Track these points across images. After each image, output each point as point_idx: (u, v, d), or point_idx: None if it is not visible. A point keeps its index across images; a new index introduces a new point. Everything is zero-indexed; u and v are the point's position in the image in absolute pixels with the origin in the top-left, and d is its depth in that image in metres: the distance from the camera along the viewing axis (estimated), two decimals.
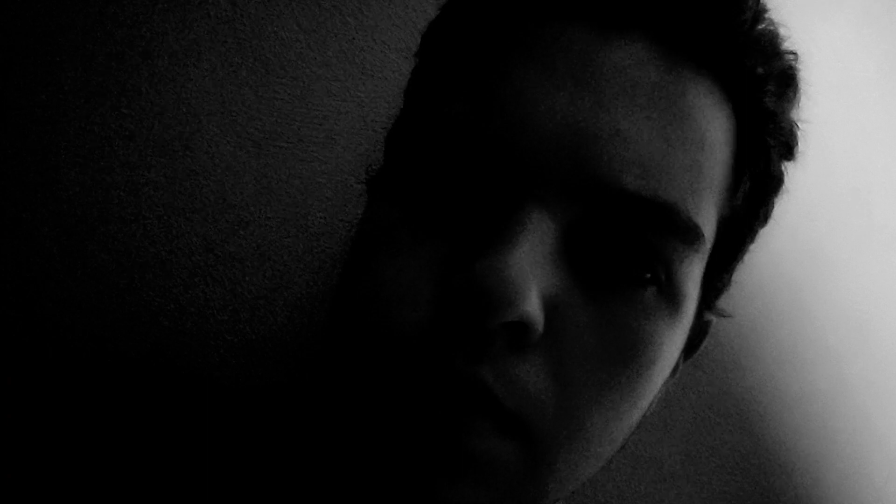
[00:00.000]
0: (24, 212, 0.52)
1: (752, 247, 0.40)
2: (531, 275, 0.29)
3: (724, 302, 0.41)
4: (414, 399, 0.30)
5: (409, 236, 0.33)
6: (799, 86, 0.36)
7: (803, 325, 0.66)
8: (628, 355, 0.32)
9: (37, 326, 0.51)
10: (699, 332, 0.41)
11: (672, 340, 0.35)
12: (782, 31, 0.36)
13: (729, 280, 0.40)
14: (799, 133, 0.37)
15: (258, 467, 0.41)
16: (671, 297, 0.33)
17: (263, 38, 0.57)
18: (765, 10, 0.35)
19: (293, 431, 0.44)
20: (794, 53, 0.36)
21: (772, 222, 0.39)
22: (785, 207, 0.39)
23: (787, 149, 0.37)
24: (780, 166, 0.37)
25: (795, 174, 0.38)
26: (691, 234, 0.32)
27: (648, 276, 0.32)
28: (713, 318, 0.42)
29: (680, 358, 0.41)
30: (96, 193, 0.52)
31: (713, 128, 0.33)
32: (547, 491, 0.33)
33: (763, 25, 0.34)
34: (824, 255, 0.67)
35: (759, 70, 0.34)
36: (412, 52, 0.41)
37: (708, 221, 0.34)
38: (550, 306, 0.31)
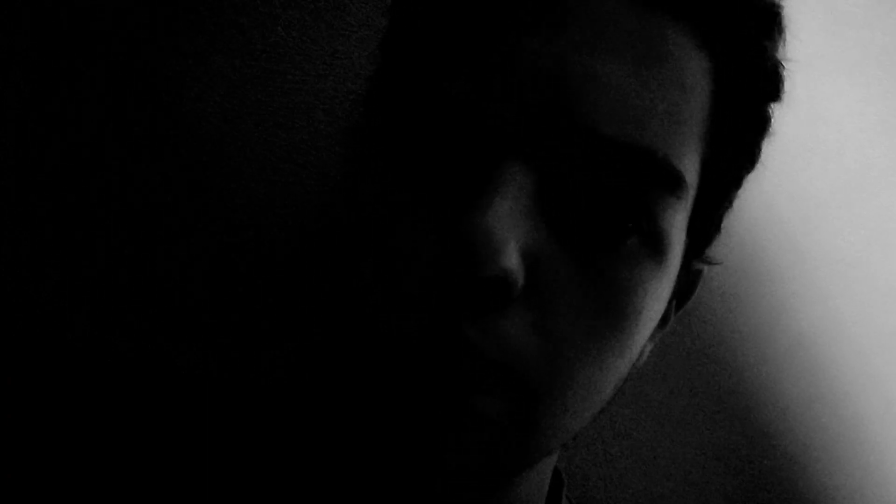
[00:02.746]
0: (19, 207, 0.52)
1: (741, 192, 0.39)
2: (509, 229, 0.29)
3: (713, 248, 0.41)
4: (406, 363, 0.30)
5: (411, 206, 0.32)
6: (783, 23, 0.35)
7: (795, 267, 0.65)
8: (612, 306, 0.32)
9: (37, 326, 0.51)
10: (689, 281, 0.41)
11: (658, 289, 0.34)
12: None
13: (717, 227, 0.39)
14: (784, 73, 0.36)
15: (258, 464, 0.41)
16: (655, 246, 0.33)
17: (235, 2, 0.56)
18: None
19: (293, 428, 0.44)
20: None
21: (759, 165, 0.38)
22: (773, 149, 0.38)
23: (773, 89, 0.36)
24: (765, 108, 0.36)
25: (783, 115, 0.37)
26: (672, 181, 0.32)
27: (630, 225, 0.32)
28: (703, 267, 0.41)
29: (671, 308, 0.41)
30: (74, 177, 0.52)
31: (693, 70, 0.32)
32: (538, 443, 0.33)
33: None
34: (814, 197, 0.66)
35: (738, 8, 0.33)
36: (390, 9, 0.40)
37: (690, 167, 0.33)
38: (531, 259, 0.30)
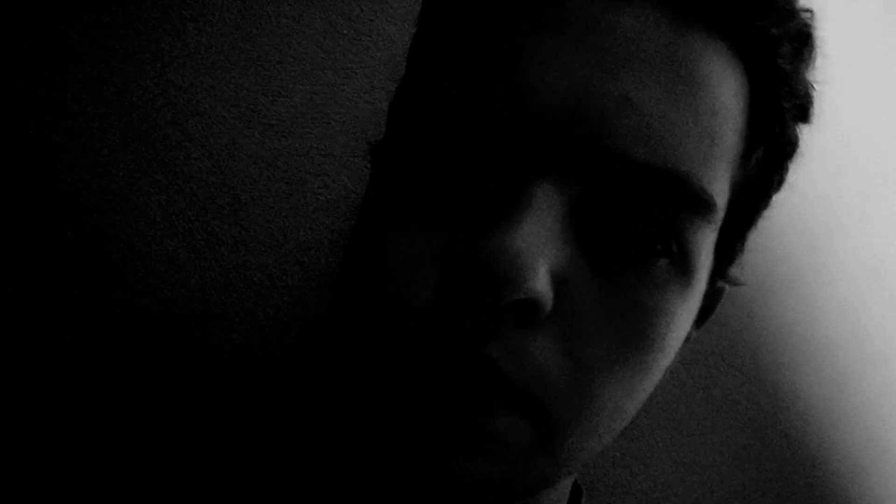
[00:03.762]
0: (21, 206, 0.51)
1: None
2: (539, 251, 0.29)
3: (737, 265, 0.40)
4: (424, 379, 0.30)
5: (417, 212, 0.32)
6: (814, 45, 0.35)
7: (814, 272, 0.65)
8: (640, 329, 0.32)
9: (36, 326, 0.51)
10: (711, 299, 0.40)
11: (684, 312, 0.34)
12: None
13: (742, 246, 0.39)
14: (814, 94, 0.36)
15: (258, 465, 0.41)
16: (683, 269, 0.32)
17: (249, 15, 0.56)
18: None
19: (294, 428, 0.44)
20: (810, 11, 0.34)
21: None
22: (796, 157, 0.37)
23: (803, 111, 0.36)
24: (794, 130, 0.36)
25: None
26: (704, 205, 0.31)
27: (659, 247, 0.32)
28: (726, 286, 0.41)
29: (692, 326, 0.40)
30: (93, 183, 0.52)
31: (725, 93, 0.32)
32: (559, 465, 0.33)
33: None
34: (836, 203, 0.65)
35: (773, 31, 0.32)
36: (402, 19, 0.40)
37: (721, 190, 0.33)
38: (559, 281, 0.30)
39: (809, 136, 0.38)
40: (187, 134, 0.54)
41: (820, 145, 0.62)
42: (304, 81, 0.57)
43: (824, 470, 0.63)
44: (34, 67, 0.52)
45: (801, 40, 0.34)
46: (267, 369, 0.54)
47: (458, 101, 0.31)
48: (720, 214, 0.33)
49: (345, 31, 0.58)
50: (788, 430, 0.63)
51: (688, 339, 0.40)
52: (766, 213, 0.38)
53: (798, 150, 0.37)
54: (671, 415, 0.61)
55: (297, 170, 0.56)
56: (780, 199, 0.39)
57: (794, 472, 0.63)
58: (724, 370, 0.63)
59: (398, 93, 0.40)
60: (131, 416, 0.41)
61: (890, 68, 0.67)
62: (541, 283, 0.28)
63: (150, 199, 0.53)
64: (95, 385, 0.44)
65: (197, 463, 0.40)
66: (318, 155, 0.57)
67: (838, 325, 0.65)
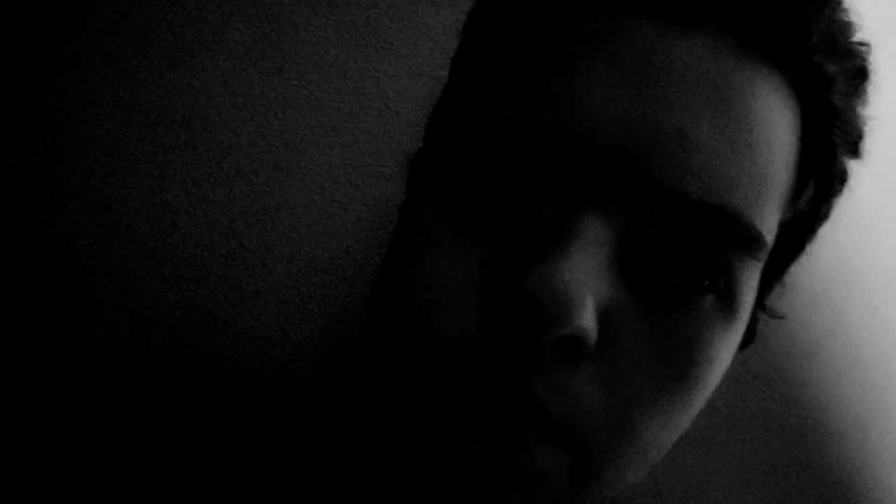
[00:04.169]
0: (19, 208, 0.51)
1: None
2: (585, 285, 0.28)
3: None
4: (466, 412, 0.29)
5: (456, 235, 0.31)
6: (869, 81, 0.34)
7: (846, 285, 0.64)
8: (684, 366, 0.31)
9: (37, 326, 0.50)
10: (750, 330, 0.40)
11: (727, 348, 0.34)
12: (855, 19, 0.33)
13: (783, 279, 0.39)
14: (866, 128, 0.35)
15: (261, 465, 0.41)
16: (729, 305, 0.32)
17: (273, 21, 0.55)
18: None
19: (330, 427, 0.43)
20: (867, 45, 0.34)
21: None
22: None
23: (854, 147, 0.35)
24: (845, 165, 0.36)
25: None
26: (755, 244, 0.31)
27: (707, 283, 0.31)
28: (764, 317, 0.41)
29: None
30: (116, 192, 0.52)
31: (780, 129, 0.31)
32: (593, 499, 0.33)
33: (835, 15, 0.32)
34: (866, 211, 0.65)
35: (831, 68, 0.32)
36: (427, 26, 0.39)
37: (770, 228, 0.32)
38: (604, 316, 0.29)
39: None
40: (215, 142, 0.53)
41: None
42: (327, 90, 0.56)
43: (855, 488, 0.62)
44: (44, 68, 0.51)
45: (857, 77, 0.33)
46: (291, 379, 0.54)
47: (506, 123, 0.31)
48: (768, 251, 0.33)
49: (369, 38, 0.58)
50: (818, 447, 0.62)
51: None
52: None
53: (847, 185, 0.36)
54: (698, 428, 0.61)
55: (326, 180, 0.56)
56: None
57: (825, 489, 0.62)
58: (752, 384, 0.62)
59: (438, 107, 0.39)
60: (131, 416, 0.41)
61: None
62: (586, 319, 0.28)
63: (179, 206, 0.52)
64: (95, 385, 0.44)
65: (197, 463, 0.39)
66: (344, 165, 0.56)
67: (870, 339, 0.64)
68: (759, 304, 0.38)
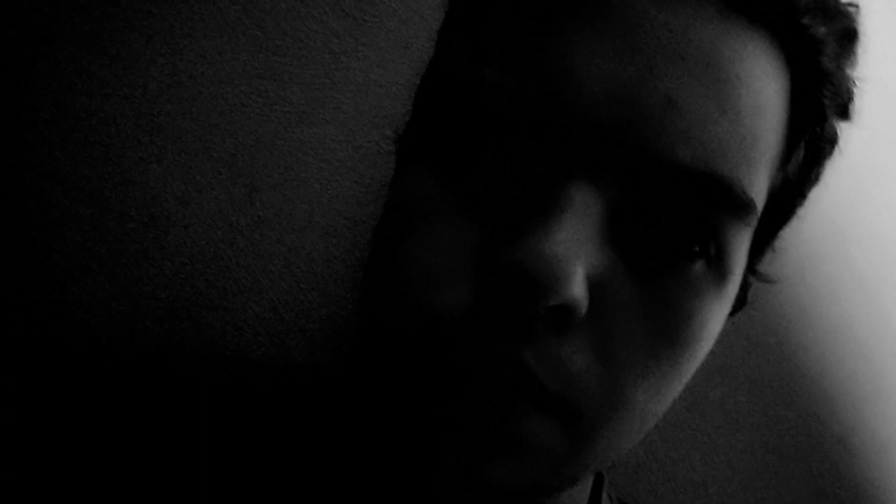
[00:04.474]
0: (19, 207, 0.50)
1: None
2: (575, 255, 0.28)
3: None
4: (454, 381, 0.30)
5: (445, 208, 0.31)
6: (858, 43, 0.34)
7: (837, 250, 0.64)
8: (675, 332, 0.31)
9: (37, 326, 0.50)
10: (741, 295, 0.40)
11: (718, 313, 0.34)
12: None
13: (774, 244, 0.39)
14: (856, 90, 0.35)
15: (262, 463, 0.41)
16: (720, 271, 0.32)
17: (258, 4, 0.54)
18: None
19: (334, 413, 0.43)
20: (856, 6, 0.33)
21: None
22: None
23: (843, 109, 0.35)
24: (834, 128, 0.35)
25: None
26: (744, 208, 0.31)
27: (697, 249, 0.31)
28: (755, 282, 0.41)
29: None
30: (103, 179, 0.51)
31: (768, 92, 0.31)
32: (588, 467, 0.33)
33: None
34: (856, 176, 0.64)
35: (819, 30, 0.31)
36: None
37: (760, 193, 0.32)
38: (595, 285, 0.29)
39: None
40: (200, 123, 0.53)
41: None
42: (312, 66, 0.56)
43: (849, 449, 0.63)
44: (40, 59, 0.51)
45: (845, 39, 0.33)
46: (283, 360, 0.54)
47: (493, 91, 0.30)
48: (758, 216, 0.33)
49: (350, 11, 0.57)
50: (813, 410, 0.63)
51: None
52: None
53: (837, 147, 0.36)
54: (693, 395, 0.61)
55: (311, 156, 0.55)
56: None
57: (819, 451, 0.63)
58: (747, 350, 0.63)
59: (426, 78, 0.39)
60: (130, 416, 0.41)
61: None
62: (576, 289, 0.28)
63: (166, 190, 0.52)
64: (95, 385, 0.44)
65: (197, 462, 0.39)
66: (332, 141, 0.56)
67: (862, 304, 0.65)
68: (751, 270, 0.38)
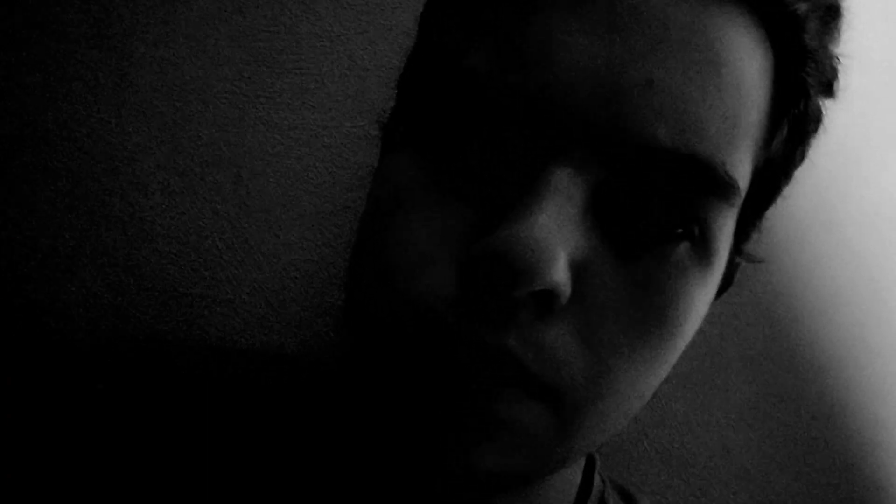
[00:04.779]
0: (18, 207, 0.50)
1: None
2: (556, 240, 0.28)
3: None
4: (440, 370, 0.29)
5: (429, 195, 0.31)
6: (842, 19, 0.34)
7: (827, 224, 0.64)
8: (660, 314, 0.31)
9: (37, 327, 0.50)
10: (728, 275, 0.40)
11: (704, 295, 0.34)
12: None
13: (760, 224, 0.38)
14: (840, 67, 0.35)
15: (289, 440, 0.41)
16: (704, 252, 0.32)
17: None
18: None
19: (327, 402, 0.43)
20: None
21: None
22: None
23: (828, 87, 0.35)
24: (819, 105, 0.35)
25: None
26: (727, 189, 0.31)
27: (681, 231, 0.31)
28: (742, 262, 0.41)
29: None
30: (89, 170, 0.51)
31: (750, 71, 0.31)
32: (575, 450, 0.33)
33: None
34: (846, 148, 0.64)
35: (801, 7, 0.31)
36: None
37: (744, 171, 0.32)
38: (578, 268, 0.29)
39: None
40: (186, 111, 0.52)
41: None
42: (298, 51, 0.55)
43: (841, 422, 0.63)
44: (19, 47, 0.50)
45: (828, 15, 0.33)
46: (274, 348, 0.54)
47: (474, 77, 0.30)
48: (742, 196, 0.33)
49: None
50: (804, 385, 0.63)
51: None
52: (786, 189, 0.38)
53: (821, 125, 0.36)
54: (684, 373, 0.61)
55: (298, 143, 0.55)
56: None
57: (810, 425, 0.63)
58: (737, 329, 0.63)
59: (409, 64, 0.39)
60: (131, 415, 0.41)
61: None
62: (558, 274, 0.28)
63: (151, 178, 0.52)
64: (96, 384, 0.44)
65: (197, 461, 0.40)
66: (319, 127, 0.55)
67: (851, 275, 0.64)
68: (737, 250, 0.38)
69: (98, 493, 0.37)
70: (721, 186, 0.30)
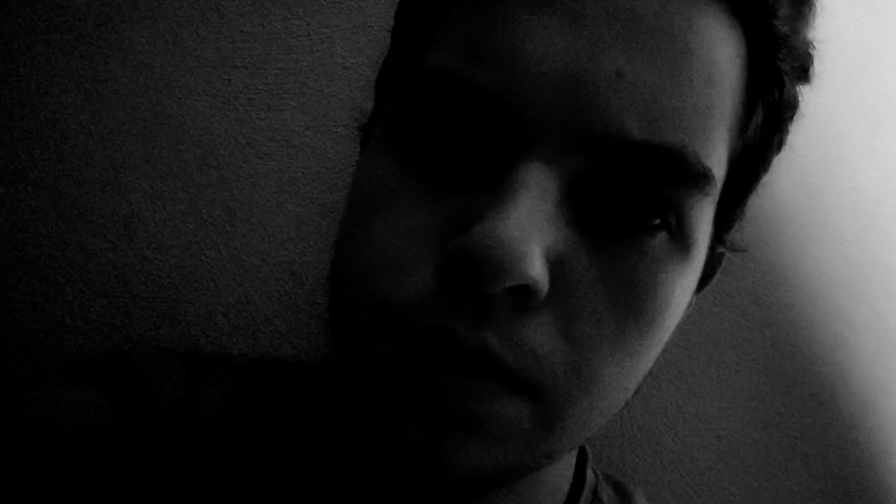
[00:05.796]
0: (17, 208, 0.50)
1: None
2: (531, 236, 0.28)
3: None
4: (419, 368, 0.29)
5: (407, 195, 0.31)
6: (814, 4, 0.33)
7: (813, 210, 0.64)
8: (639, 306, 0.31)
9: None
10: (711, 265, 0.40)
11: (684, 285, 0.33)
12: None
13: (742, 212, 0.38)
14: (814, 53, 0.34)
15: (280, 441, 0.41)
16: (682, 242, 0.32)
17: None
18: None
19: (317, 403, 0.43)
20: None
21: None
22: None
23: (802, 72, 0.35)
24: (794, 91, 0.35)
25: None
26: (702, 179, 0.30)
27: (657, 222, 0.31)
28: (726, 252, 0.40)
29: (692, 295, 0.40)
30: (69, 176, 0.51)
31: (721, 59, 0.30)
32: (561, 444, 0.33)
33: None
34: (831, 132, 0.64)
35: None
36: None
37: (719, 161, 0.32)
38: (555, 263, 0.29)
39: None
40: (165, 114, 0.52)
41: (821, 69, 0.59)
42: (277, 52, 0.55)
43: (833, 408, 0.63)
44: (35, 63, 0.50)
45: (799, 1, 0.33)
46: (257, 346, 0.54)
47: (441, 74, 0.30)
48: (719, 185, 0.32)
49: None
50: (794, 372, 0.63)
51: (688, 307, 0.40)
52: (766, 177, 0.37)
53: (798, 111, 0.36)
54: (674, 363, 0.61)
55: (281, 144, 0.55)
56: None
57: (802, 412, 0.63)
58: (726, 316, 0.62)
59: (384, 66, 0.39)
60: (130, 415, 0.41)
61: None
62: (534, 269, 0.28)
63: (133, 183, 0.51)
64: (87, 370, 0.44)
65: (197, 460, 0.39)
66: (299, 127, 0.55)
67: (838, 261, 0.64)
68: (719, 239, 0.38)
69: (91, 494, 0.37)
70: (695, 175, 0.30)
